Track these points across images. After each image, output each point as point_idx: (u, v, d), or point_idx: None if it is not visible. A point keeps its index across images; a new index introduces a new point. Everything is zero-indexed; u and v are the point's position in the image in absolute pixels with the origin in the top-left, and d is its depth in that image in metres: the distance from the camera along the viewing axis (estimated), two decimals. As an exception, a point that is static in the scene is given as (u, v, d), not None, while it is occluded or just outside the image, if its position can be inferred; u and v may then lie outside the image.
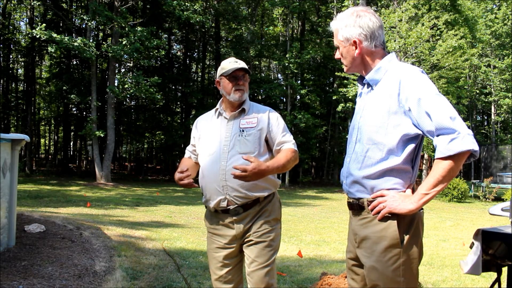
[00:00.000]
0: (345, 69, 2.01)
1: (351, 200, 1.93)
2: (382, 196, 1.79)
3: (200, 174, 2.53)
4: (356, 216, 1.91)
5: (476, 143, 1.64)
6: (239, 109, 2.48)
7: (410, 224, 1.77)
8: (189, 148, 2.72)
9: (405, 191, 1.79)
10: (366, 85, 1.94)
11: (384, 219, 1.77)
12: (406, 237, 1.75)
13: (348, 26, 1.89)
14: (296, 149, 2.47)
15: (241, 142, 2.40)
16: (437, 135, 1.66)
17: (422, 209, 1.85)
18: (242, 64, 2.47)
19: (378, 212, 1.78)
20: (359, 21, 1.88)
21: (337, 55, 2.00)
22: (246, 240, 2.41)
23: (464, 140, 1.61)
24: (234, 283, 2.47)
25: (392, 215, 1.75)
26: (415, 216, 1.78)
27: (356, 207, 1.89)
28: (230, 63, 2.49)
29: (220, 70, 2.52)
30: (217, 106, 2.57)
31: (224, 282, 2.45)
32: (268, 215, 2.42)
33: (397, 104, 1.75)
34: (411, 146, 1.77)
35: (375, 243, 1.79)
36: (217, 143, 2.45)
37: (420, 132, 1.75)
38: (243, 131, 2.42)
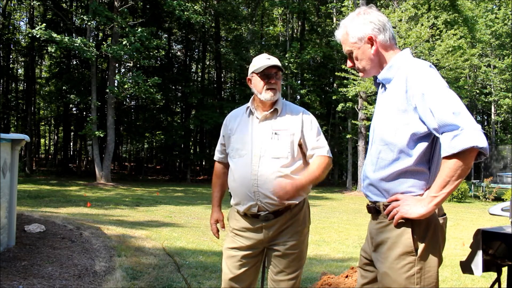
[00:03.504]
0: (361, 74, 1.92)
1: (369, 203, 1.88)
2: (396, 200, 1.72)
3: (230, 176, 2.42)
4: (374, 219, 1.86)
5: (485, 139, 1.52)
6: (272, 109, 2.35)
7: (426, 231, 1.70)
8: (218, 148, 2.59)
9: (422, 194, 1.70)
10: (380, 85, 1.89)
11: (399, 225, 1.71)
12: (422, 245, 1.68)
13: (359, 26, 1.83)
14: (330, 156, 2.33)
15: (273, 146, 2.28)
16: (441, 133, 1.57)
17: (445, 214, 1.79)
18: (274, 61, 2.33)
19: (393, 217, 1.73)
20: (368, 17, 1.83)
21: (349, 63, 1.92)
22: (274, 247, 2.33)
23: (468, 136, 1.51)
24: (248, 282, 2.38)
25: (407, 221, 1.69)
26: (431, 222, 1.70)
27: (373, 210, 1.84)
28: (262, 60, 2.34)
29: (251, 67, 2.38)
30: (249, 104, 2.43)
31: (238, 281, 2.35)
32: (299, 225, 2.33)
33: (405, 102, 1.69)
34: (424, 145, 1.68)
35: (389, 249, 1.74)
36: (248, 145, 2.33)
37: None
38: (276, 134, 2.30)
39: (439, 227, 1.74)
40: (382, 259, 1.77)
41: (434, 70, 1.70)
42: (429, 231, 1.70)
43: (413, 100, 1.66)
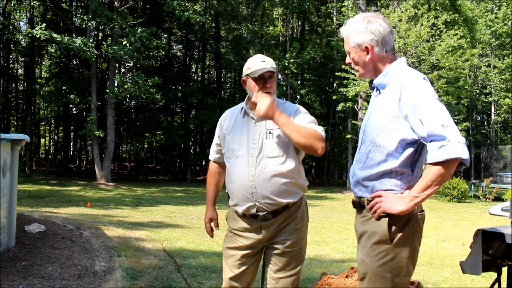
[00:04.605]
0: (357, 74, 2.05)
1: (354, 199, 1.99)
2: (379, 196, 1.85)
3: (227, 177, 2.42)
4: (358, 214, 1.98)
5: (467, 152, 1.68)
6: None
7: (405, 223, 1.82)
8: (213, 148, 2.58)
9: (402, 193, 1.84)
10: (375, 89, 2.00)
11: (379, 218, 1.85)
12: (398, 235, 1.81)
13: (360, 32, 1.92)
14: (323, 135, 2.24)
15: (269, 145, 2.28)
16: (429, 141, 1.72)
17: (423, 211, 1.90)
18: (269, 63, 2.31)
19: (376, 212, 1.85)
20: (370, 27, 1.91)
21: (348, 60, 2.04)
22: (273, 246, 2.34)
23: (453, 147, 1.66)
24: (247, 281, 2.40)
25: (387, 215, 1.82)
26: (411, 216, 1.83)
27: (358, 205, 1.96)
28: (257, 62, 2.31)
29: (246, 69, 2.35)
30: (243, 104, 2.43)
31: (238, 280, 2.37)
32: (297, 223, 2.34)
33: (398, 110, 1.81)
34: (410, 150, 1.82)
35: (368, 238, 1.87)
36: (244, 145, 2.33)
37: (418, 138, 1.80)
38: (270, 133, 2.29)
39: (417, 222, 1.86)
40: (361, 248, 1.90)
41: (427, 83, 1.83)
42: (408, 224, 1.83)
43: (405, 109, 1.79)
